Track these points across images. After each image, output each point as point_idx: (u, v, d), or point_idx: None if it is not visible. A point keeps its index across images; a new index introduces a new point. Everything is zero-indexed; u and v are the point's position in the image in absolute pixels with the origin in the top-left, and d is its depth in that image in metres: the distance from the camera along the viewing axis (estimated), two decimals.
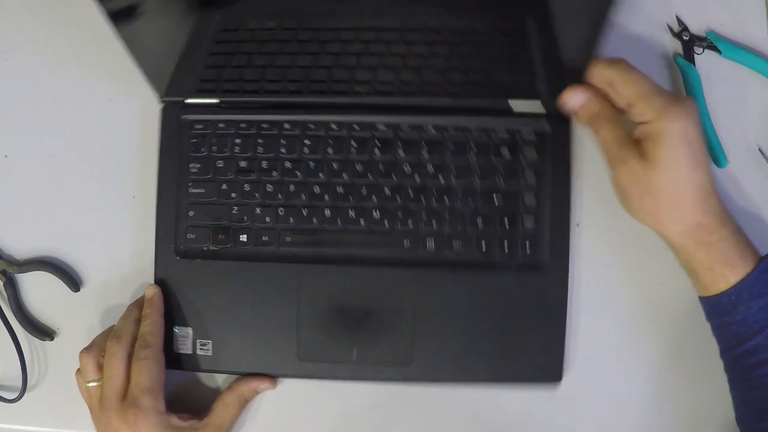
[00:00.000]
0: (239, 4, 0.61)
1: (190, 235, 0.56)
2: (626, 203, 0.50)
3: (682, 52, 0.57)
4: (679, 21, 0.57)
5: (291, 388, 0.57)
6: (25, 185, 0.60)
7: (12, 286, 0.59)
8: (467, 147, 0.55)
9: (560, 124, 0.56)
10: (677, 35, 0.57)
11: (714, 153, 0.56)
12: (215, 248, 0.56)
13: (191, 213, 0.56)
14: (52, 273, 0.58)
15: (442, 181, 0.55)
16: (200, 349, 0.55)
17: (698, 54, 0.57)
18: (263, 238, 0.56)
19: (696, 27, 0.57)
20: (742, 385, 0.50)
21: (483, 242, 0.55)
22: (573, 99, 0.51)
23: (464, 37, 0.57)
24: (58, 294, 0.59)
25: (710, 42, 0.57)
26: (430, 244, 0.55)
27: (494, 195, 0.55)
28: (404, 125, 0.56)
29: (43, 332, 0.59)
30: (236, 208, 0.56)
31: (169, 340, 0.55)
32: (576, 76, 0.51)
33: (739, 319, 0.47)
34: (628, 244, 0.56)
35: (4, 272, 0.59)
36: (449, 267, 0.55)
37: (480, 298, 0.54)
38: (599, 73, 0.49)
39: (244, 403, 0.55)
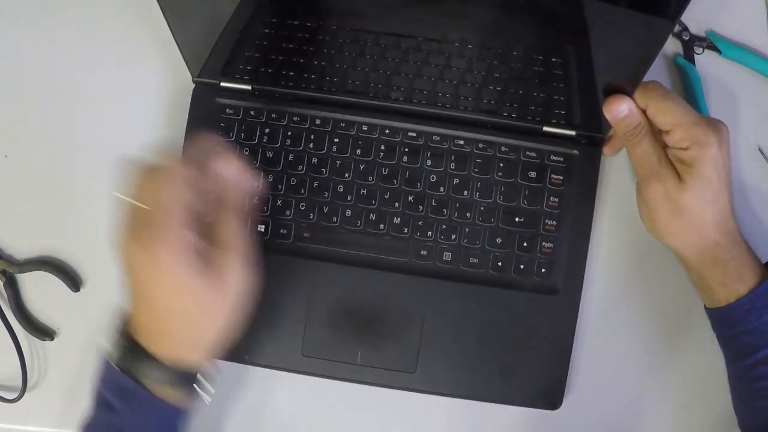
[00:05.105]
0: None
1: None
2: (651, 220, 0.52)
3: (682, 52, 0.57)
4: (679, 21, 0.57)
5: (294, 383, 0.57)
6: (25, 185, 0.59)
7: (12, 286, 0.58)
8: (493, 164, 0.56)
9: (589, 149, 0.56)
10: (677, 35, 0.57)
11: None
12: None
13: None
14: (52, 273, 0.57)
15: (465, 194, 0.55)
16: None
17: (698, 54, 0.57)
18: (281, 231, 0.56)
19: (696, 27, 0.57)
20: (751, 395, 0.51)
21: (499, 260, 0.55)
22: (618, 109, 0.50)
23: (505, 57, 0.56)
24: (58, 294, 0.58)
25: (710, 42, 0.57)
26: (447, 256, 0.55)
27: (515, 214, 0.55)
28: (434, 135, 0.56)
29: (43, 332, 0.58)
30: (257, 198, 0.56)
31: None
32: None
33: (750, 329, 0.49)
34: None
35: (4, 272, 0.58)
36: (463, 281, 0.55)
37: (490, 316, 0.55)
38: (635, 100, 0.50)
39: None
